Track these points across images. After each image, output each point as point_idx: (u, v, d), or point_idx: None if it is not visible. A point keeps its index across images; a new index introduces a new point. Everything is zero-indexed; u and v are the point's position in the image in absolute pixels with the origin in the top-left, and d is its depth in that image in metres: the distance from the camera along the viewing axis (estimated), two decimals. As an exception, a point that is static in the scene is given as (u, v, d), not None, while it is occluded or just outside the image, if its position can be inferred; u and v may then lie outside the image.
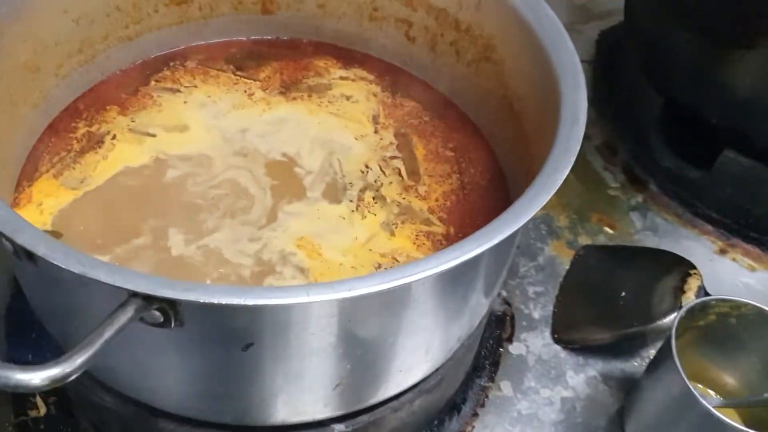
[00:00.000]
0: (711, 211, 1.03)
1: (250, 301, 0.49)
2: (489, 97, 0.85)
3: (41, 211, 0.77)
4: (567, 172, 0.63)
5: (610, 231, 1.03)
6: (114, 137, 0.84)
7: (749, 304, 0.77)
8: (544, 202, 0.60)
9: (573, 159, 0.63)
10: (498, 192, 0.83)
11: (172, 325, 0.52)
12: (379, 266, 0.76)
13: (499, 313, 0.92)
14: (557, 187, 0.62)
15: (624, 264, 0.95)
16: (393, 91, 0.92)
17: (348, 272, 0.75)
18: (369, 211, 0.80)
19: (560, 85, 0.68)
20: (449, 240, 0.78)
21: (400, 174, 0.83)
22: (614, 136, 1.12)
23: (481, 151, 0.86)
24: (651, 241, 1.02)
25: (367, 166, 0.84)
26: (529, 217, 0.61)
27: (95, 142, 0.83)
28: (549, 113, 0.70)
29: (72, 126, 0.85)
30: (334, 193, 0.81)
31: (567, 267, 0.98)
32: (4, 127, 0.75)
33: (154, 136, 0.85)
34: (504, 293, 0.94)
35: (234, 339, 0.55)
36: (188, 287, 0.49)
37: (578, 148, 0.64)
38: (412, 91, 0.92)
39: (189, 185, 0.80)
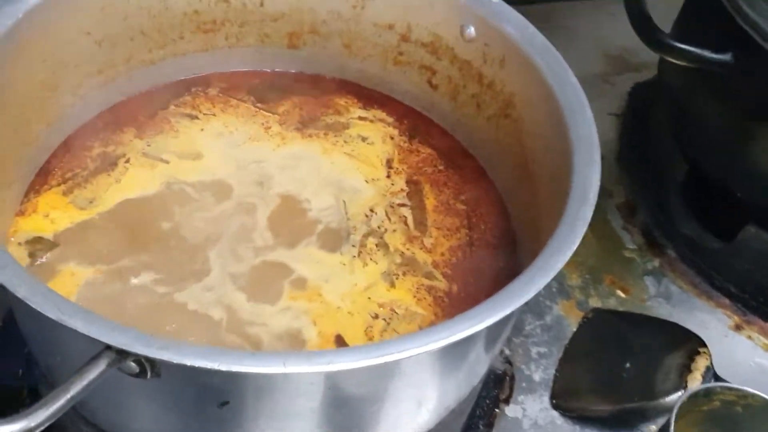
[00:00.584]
0: (729, 284, 1.00)
1: (223, 367, 0.47)
2: (506, 154, 0.83)
3: (51, 221, 0.78)
4: (570, 253, 0.61)
5: (623, 295, 1.00)
6: (128, 161, 0.84)
7: (756, 395, 0.74)
8: (542, 286, 0.59)
9: (578, 240, 0.61)
10: (507, 252, 0.81)
11: (148, 376, 0.52)
12: (376, 316, 0.74)
13: (500, 372, 0.90)
14: (557, 270, 0.60)
15: (632, 332, 0.92)
16: (410, 136, 0.90)
17: (345, 317, 0.74)
18: (371, 259, 0.79)
19: (574, 157, 0.67)
20: (451, 298, 0.77)
21: (406, 223, 0.82)
22: (636, 195, 1.10)
23: (494, 207, 0.85)
24: (663, 310, 1.00)
25: (372, 211, 0.83)
26: (525, 301, 0.59)
27: (109, 164, 0.83)
28: (562, 183, 0.68)
29: (88, 145, 0.85)
30: (337, 237, 0.80)
31: (574, 329, 0.95)
32: (16, 145, 0.75)
33: (167, 162, 0.84)
34: (507, 351, 0.92)
35: (210, 396, 0.54)
36: (163, 345, 0.48)
37: (584, 228, 0.62)
38: (430, 137, 0.91)
39: (195, 219, 0.79)
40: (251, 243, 0.78)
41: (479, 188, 0.86)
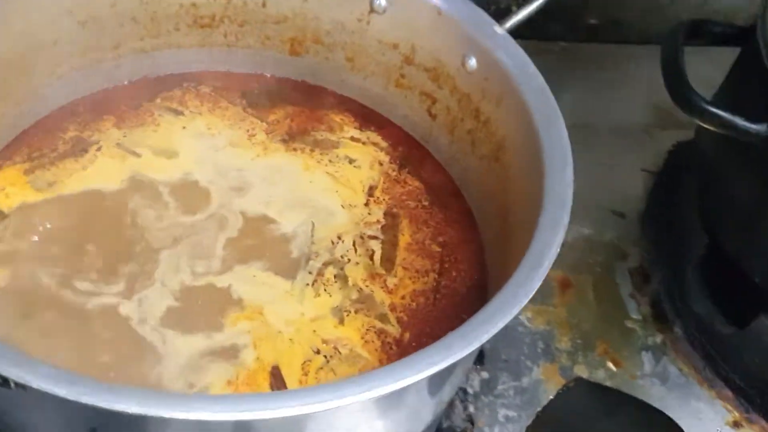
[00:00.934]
0: (735, 375, 0.90)
1: (70, 396, 0.43)
2: (492, 201, 0.76)
3: (5, 196, 0.75)
4: (513, 313, 0.55)
5: (613, 368, 0.92)
6: (99, 149, 0.80)
7: None
8: (478, 345, 0.52)
9: (516, 309, 0.54)
10: (473, 306, 0.73)
11: (12, 387, 0.47)
12: (318, 352, 0.69)
13: (458, 430, 0.83)
14: (497, 330, 0.54)
15: (611, 413, 0.84)
16: (401, 165, 0.84)
17: (285, 344, 0.69)
18: (324, 290, 0.73)
19: (541, 216, 0.60)
20: (400, 346, 0.70)
21: (372, 257, 0.76)
22: (652, 261, 1.01)
23: (472, 255, 0.78)
24: (656, 391, 0.91)
25: (340, 238, 0.77)
26: (460, 357, 0.53)
27: (80, 150, 0.80)
28: (526, 241, 0.61)
29: (63, 126, 0.82)
30: (295, 262, 0.74)
31: (551, 396, 0.88)
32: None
33: (139, 156, 0.80)
34: (471, 409, 0.85)
35: (77, 419, 0.49)
36: (14, 362, 0.43)
37: (527, 298, 0.55)
38: (422, 170, 0.85)
39: (152, 222, 0.75)
40: (204, 258, 0.73)
41: (461, 232, 0.80)
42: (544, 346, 0.93)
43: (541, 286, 0.57)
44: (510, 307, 0.53)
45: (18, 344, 0.60)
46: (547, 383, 0.89)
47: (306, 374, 0.68)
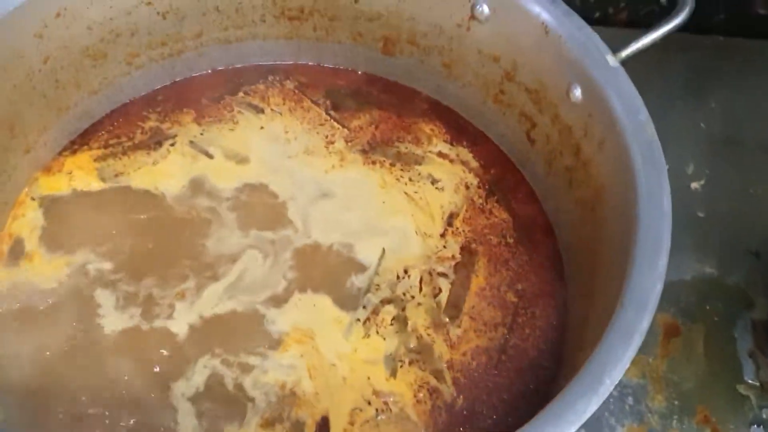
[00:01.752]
0: None
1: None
2: (583, 250, 0.66)
3: (70, 178, 0.73)
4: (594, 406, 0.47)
5: (713, 440, 0.81)
6: (173, 144, 0.77)
7: None
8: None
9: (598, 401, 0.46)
10: (543, 373, 0.65)
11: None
12: (369, 403, 0.63)
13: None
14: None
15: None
16: (490, 192, 0.75)
17: (338, 381, 0.64)
18: (377, 332, 0.67)
19: (632, 276, 0.50)
20: (450, 413, 0.63)
21: (436, 300, 0.68)
22: (782, 317, 0.87)
23: (552, 311, 0.69)
24: (761, 478, 0.79)
25: (406, 272, 0.70)
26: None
27: (155, 142, 0.77)
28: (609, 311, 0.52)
29: (144, 114, 0.79)
30: (352, 293, 0.68)
31: (630, 466, 0.78)
32: (44, 112, 0.70)
33: (211, 157, 0.76)
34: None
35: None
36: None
37: (611, 384, 0.47)
38: (513, 198, 0.75)
39: (212, 235, 0.71)
40: (259, 278, 0.69)
41: (545, 280, 0.70)
42: (634, 403, 0.83)
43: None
44: (591, 395, 0.45)
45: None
46: (630, 448, 0.80)
47: (352, 424, 0.63)
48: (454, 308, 0.68)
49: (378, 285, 0.69)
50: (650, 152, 0.57)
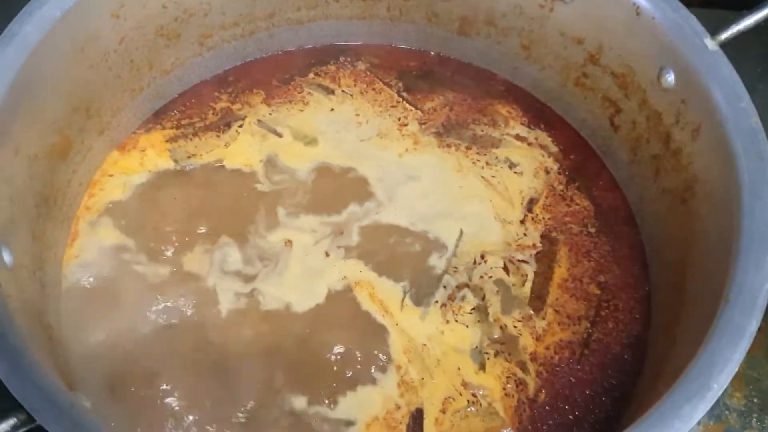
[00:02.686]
0: None
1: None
2: (670, 243, 0.64)
3: (144, 156, 0.73)
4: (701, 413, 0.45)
5: (795, 440, 0.77)
6: (241, 126, 0.75)
7: None
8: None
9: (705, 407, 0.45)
10: (625, 370, 0.63)
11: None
12: (460, 394, 0.61)
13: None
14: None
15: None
16: (570, 178, 0.73)
17: (431, 362, 0.63)
18: (456, 320, 0.65)
19: (736, 273, 0.47)
20: (533, 409, 0.62)
21: (521, 288, 0.66)
22: None
23: (636, 305, 0.66)
24: None
25: (483, 258, 0.68)
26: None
27: (224, 124, 0.76)
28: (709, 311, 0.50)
29: (215, 95, 0.77)
30: (428, 275, 0.67)
31: (708, 464, 0.75)
32: (118, 92, 0.70)
33: (280, 136, 0.75)
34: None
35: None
36: None
37: (719, 389, 0.45)
38: (594, 186, 0.73)
39: (281, 213, 0.70)
40: (330, 258, 0.68)
41: (628, 273, 0.68)
42: (712, 399, 0.80)
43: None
44: (695, 404, 0.43)
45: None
46: (705, 445, 0.77)
47: (444, 412, 0.61)
48: (539, 300, 0.66)
49: (456, 267, 0.67)
50: (753, 141, 0.54)
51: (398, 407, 0.61)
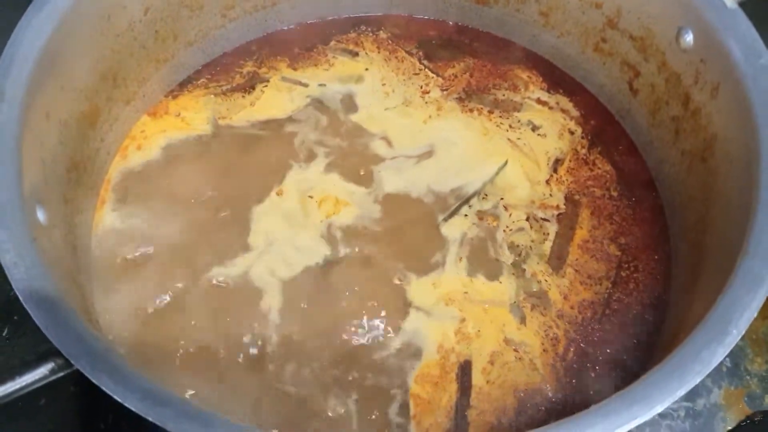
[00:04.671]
0: None
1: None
2: (689, 207, 0.64)
3: (181, 120, 0.74)
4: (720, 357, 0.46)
5: (817, 405, 0.78)
6: (266, 85, 0.76)
7: None
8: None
9: (724, 351, 0.45)
10: (646, 328, 0.64)
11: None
12: (506, 347, 0.62)
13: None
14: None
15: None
16: (592, 143, 0.73)
17: (480, 311, 0.64)
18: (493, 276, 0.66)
19: (756, 224, 0.48)
20: (564, 366, 0.62)
21: (542, 245, 0.67)
22: None
23: (656, 265, 0.67)
24: None
25: (507, 210, 0.69)
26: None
27: (250, 86, 0.77)
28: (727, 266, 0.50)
29: (240, 62, 0.79)
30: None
31: (729, 428, 0.76)
32: (144, 63, 0.71)
33: (306, 86, 0.76)
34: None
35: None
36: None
37: (738, 334, 0.46)
38: (614, 151, 0.73)
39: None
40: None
41: (648, 234, 0.68)
42: (732, 366, 0.80)
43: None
44: (714, 348, 0.44)
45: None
46: (727, 410, 0.77)
47: (492, 363, 0.62)
48: (558, 259, 0.67)
49: (486, 195, 0.69)
50: (773, 94, 0.54)
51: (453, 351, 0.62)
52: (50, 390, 0.67)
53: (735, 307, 0.46)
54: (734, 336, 0.45)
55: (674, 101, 0.65)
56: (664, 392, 0.44)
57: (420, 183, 0.70)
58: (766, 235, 0.49)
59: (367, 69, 0.77)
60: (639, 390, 0.44)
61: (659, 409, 0.43)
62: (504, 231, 0.67)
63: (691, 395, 0.78)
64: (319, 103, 0.74)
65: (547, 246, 0.67)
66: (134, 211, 0.68)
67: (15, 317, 0.78)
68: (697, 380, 0.44)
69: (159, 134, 0.73)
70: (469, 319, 0.63)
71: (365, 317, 0.63)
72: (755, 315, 0.47)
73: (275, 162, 0.70)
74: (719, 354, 0.45)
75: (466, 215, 0.68)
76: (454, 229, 0.68)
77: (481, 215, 0.68)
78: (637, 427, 0.75)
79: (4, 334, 0.77)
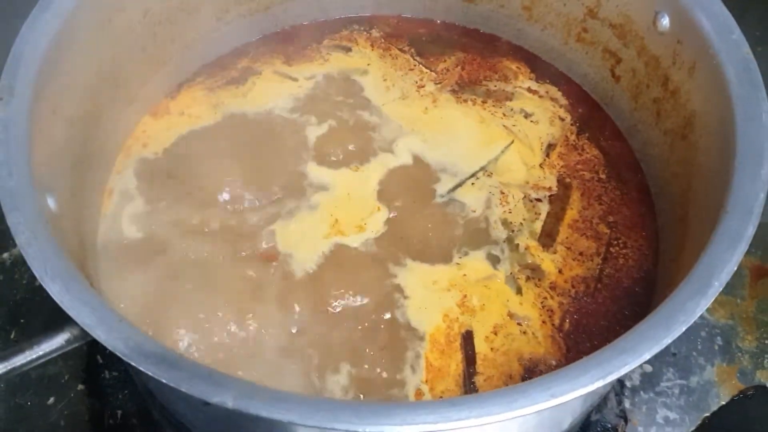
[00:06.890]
0: None
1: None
2: (673, 181, 0.67)
3: (169, 124, 0.76)
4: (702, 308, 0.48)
5: (807, 379, 0.80)
6: (258, 77, 0.79)
7: None
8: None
9: (706, 302, 0.47)
10: (637, 302, 0.66)
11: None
12: (509, 320, 0.64)
13: (608, 426, 0.76)
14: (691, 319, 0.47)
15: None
16: (580, 129, 0.76)
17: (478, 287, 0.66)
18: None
19: (734, 185, 0.51)
20: (561, 336, 0.64)
21: (533, 223, 0.70)
22: None
23: (644, 242, 0.69)
24: None
25: (502, 193, 0.72)
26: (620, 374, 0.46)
27: (243, 78, 0.79)
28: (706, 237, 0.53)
29: (236, 61, 0.81)
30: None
31: (723, 403, 0.78)
32: (144, 66, 0.73)
33: (295, 80, 0.78)
34: (627, 404, 0.78)
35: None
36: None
37: (720, 286, 0.48)
38: (601, 136, 0.76)
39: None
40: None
41: (636, 213, 0.71)
42: (723, 344, 0.83)
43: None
44: (697, 300, 0.47)
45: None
46: (720, 386, 0.79)
47: (495, 333, 0.64)
48: (548, 237, 0.69)
49: (491, 173, 0.72)
50: (746, 70, 0.57)
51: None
52: (60, 389, 0.68)
53: (716, 261, 0.49)
54: (716, 288, 0.48)
55: (654, 83, 0.68)
56: (652, 341, 0.46)
57: (424, 161, 0.73)
58: (743, 195, 0.52)
59: (369, 65, 0.80)
60: (629, 340, 0.46)
61: (647, 356, 0.45)
62: (498, 208, 0.70)
63: (686, 373, 0.80)
64: (313, 95, 0.77)
65: (538, 225, 0.70)
66: (141, 205, 0.70)
67: (21, 320, 0.80)
68: (683, 329, 0.46)
69: (161, 131, 0.75)
70: (472, 295, 0.65)
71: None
72: (735, 268, 0.49)
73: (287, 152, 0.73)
74: (702, 305, 0.47)
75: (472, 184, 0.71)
76: (458, 197, 0.71)
77: (480, 193, 0.71)
78: (635, 404, 0.78)
79: (12, 337, 0.79)
